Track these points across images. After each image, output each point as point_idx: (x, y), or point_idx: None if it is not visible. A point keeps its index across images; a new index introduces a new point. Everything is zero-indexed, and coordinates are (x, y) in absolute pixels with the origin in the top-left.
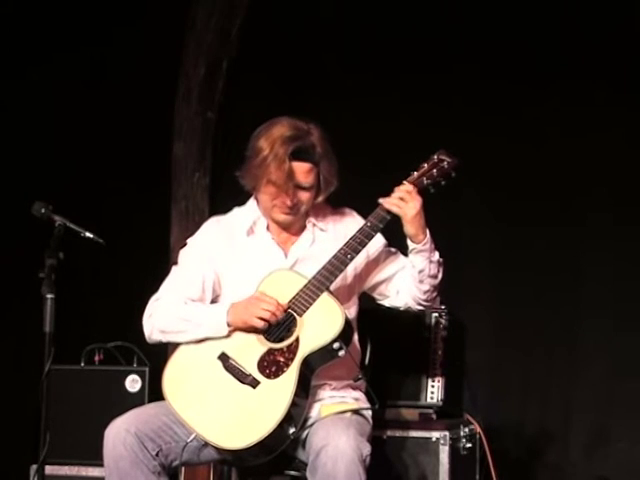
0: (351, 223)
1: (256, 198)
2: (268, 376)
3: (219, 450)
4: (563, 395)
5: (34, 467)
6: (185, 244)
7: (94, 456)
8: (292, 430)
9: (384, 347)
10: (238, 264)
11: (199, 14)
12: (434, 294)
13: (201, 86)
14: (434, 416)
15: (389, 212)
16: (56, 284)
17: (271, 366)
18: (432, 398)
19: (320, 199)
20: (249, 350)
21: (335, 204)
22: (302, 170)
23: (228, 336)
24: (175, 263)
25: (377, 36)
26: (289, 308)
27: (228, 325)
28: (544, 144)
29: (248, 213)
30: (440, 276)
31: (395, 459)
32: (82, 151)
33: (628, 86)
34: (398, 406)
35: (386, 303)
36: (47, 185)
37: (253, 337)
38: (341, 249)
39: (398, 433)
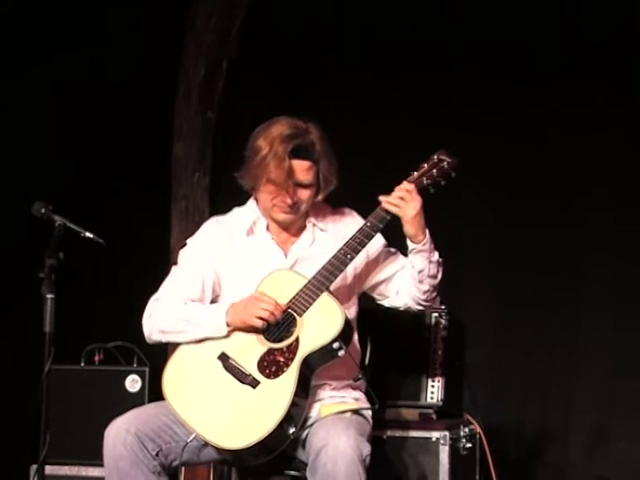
0: (351, 223)
1: (256, 198)
2: (268, 376)
3: (219, 450)
4: (563, 395)
5: (34, 467)
6: (185, 244)
7: (94, 456)
8: (292, 430)
9: (384, 347)
10: (238, 264)
11: (199, 14)
12: (434, 294)
13: (201, 86)
14: (434, 416)
15: (389, 212)
16: (56, 284)
17: (271, 366)
18: (432, 398)
19: (320, 198)
20: (249, 350)
21: (335, 204)
22: (302, 168)
23: (228, 336)
24: (175, 263)
25: (377, 36)
26: (289, 308)
27: (227, 325)
28: (544, 144)
29: (248, 213)
30: (440, 276)
31: (395, 459)
32: (82, 151)
33: (628, 86)
34: (398, 406)
35: (386, 303)
36: (47, 185)
37: (253, 337)
38: (341, 249)
39: (398, 433)
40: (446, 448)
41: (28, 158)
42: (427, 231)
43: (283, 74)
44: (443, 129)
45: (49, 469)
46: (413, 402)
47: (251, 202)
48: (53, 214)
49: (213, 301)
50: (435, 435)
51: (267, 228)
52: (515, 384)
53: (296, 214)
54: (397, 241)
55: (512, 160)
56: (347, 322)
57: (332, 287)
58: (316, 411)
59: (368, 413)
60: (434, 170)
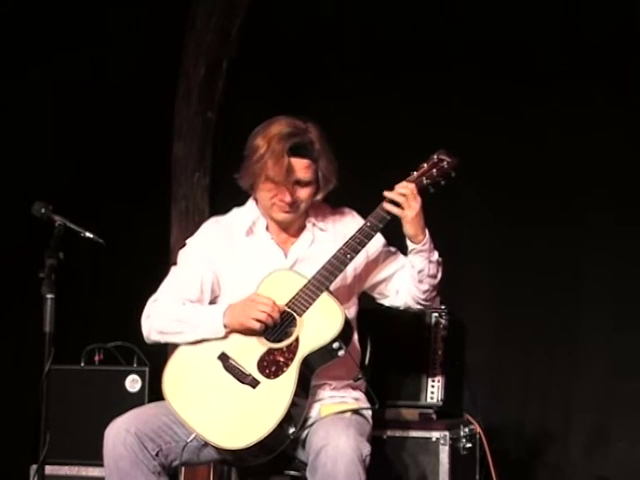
0: (351, 223)
1: (255, 198)
2: (268, 376)
3: (219, 450)
4: (563, 395)
5: (34, 467)
6: (184, 244)
7: (94, 456)
8: (292, 430)
9: (384, 347)
10: (237, 264)
11: (199, 14)
12: (433, 294)
13: (201, 86)
14: (434, 416)
15: (389, 212)
16: (56, 284)
17: (271, 366)
18: (432, 398)
19: (319, 197)
20: (249, 350)
21: (335, 204)
22: (301, 166)
23: (228, 336)
24: (174, 263)
25: (377, 36)
26: (289, 308)
27: (225, 327)
28: (544, 144)
29: (247, 213)
30: (439, 276)
31: (395, 459)
32: (82, 151)
33: (628, 86)
34: (398, 406)
35: (386, 302)
36: (47, 185)
37: (253, 337)
38: (341, 249)
39: (398, 433)
40: (446, 448)
41: (28, 158)
42: (427, 231)
43: (283, 74)
44: (443, 129)
45: (49, 469)
46: (413, 402)
47: (250, 202)
48: (53, 214)
49: (213, 302)
50: (435, 435)
51: (267, 228)
52: (515, 384)
53: (295, 213)
54: (397, 241)
55: (512, 160)
56: (347, 322)
57: (332, 287)
58: (316, 411)
59: (368, 413)
60: (434, 170)
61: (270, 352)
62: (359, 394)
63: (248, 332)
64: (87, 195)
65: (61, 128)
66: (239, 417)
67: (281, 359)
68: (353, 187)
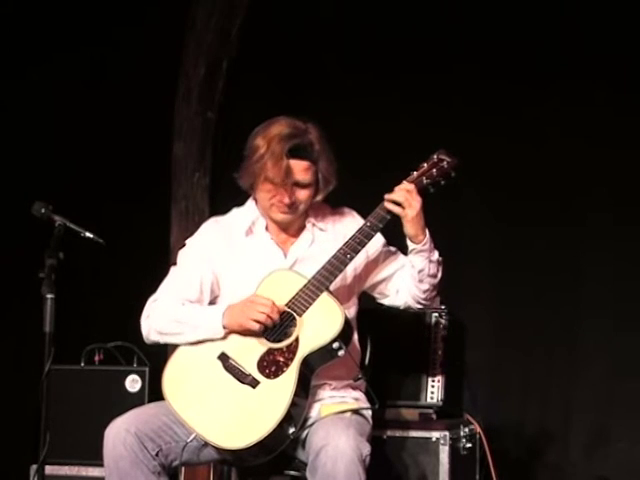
0: (351, 223)
1: (255, 198)
2: (268, 376)
3: (219, 450)
4: (563, 395)
5: (34, 467)
6: (184, 245)
7: (94, 456)
8: (292, 430)
9: (384, 347)
10: (237, 264)
11: (199, 14)
12: (434, 293)
13: (201, 86)
14: (434, 416)
15: (389, 212)
16: (56, 284)
17: (271, 366)
18: (432, 398)
19: (319, 198)
20: (249, 350)
21: (335, 204)
22: (300, 168)
23: (228, 336)
24: (174, 264)
25: (377, 36)
26: (289, 308)
27: (224, 327)
28: (544, 144)
29: (247, 213)
30: (440, 275)
31: (395, 459)
32: (82, 151)
33: (628, 86)
34: (398, 406)
35: (386, 302)
36: (47, 185)
37: (253, 337)
38: (340, 249)
39: (398, 433)
40: (446, 448)
41: (28, 158)
42: (427, 231)
43: (283, 74)
44: (443, 129)
45: (49, 469)
46: (413, 402)
47: (250, 202)
48: (53, 214)
49: (212, 302)
50: (435, 435)
51: (266, 228)
52: (515, 384)
53: (294, 214)
54: (397, 241)
55: (512, 160)
56: (347, 322)
57: (332, 287)
58: (316, 411)
59: (368, 413)
60: (434, 170)
61: (270, 352)
62: (359, 394)
63: (248, 333)
64: (87, 195)
65: (61, 128)
66: (239, 417)
67: (281, 359)
68: (353, 187)
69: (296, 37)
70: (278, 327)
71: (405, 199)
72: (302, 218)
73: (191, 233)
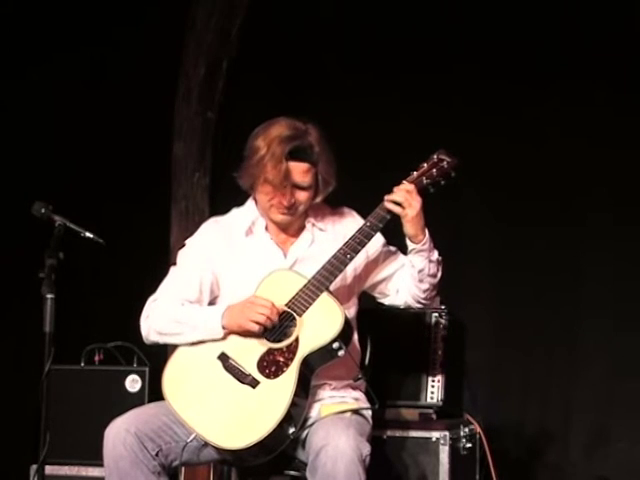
0: (350, 223)
1: (254, 198)
2: (268, 376)
3: (219, 450)
4: (563, 395)
5: (34, 467)
6: (183, 245)
7: (94, 456)
8: (292, 430)
9: (384, 347)
10: (237, 265)
11: (199, 14)
12: (433, 292)
13: (201, 86)
14: (434, 416)
15: (389, 212)
16: (56, 284)
17: (271, 366)
18: (432, 398)
19: (318, 199)
20: (249, 350)
21: (335, 204)
22: (299, 170)
23: (228, 336)
24: (174, 264)
25: (377, 36)
26: (289, 308)
27: (223, 328)
28: (544, 144)
29: (247, 213)
30: (439, 275)
31: (395, 459)
32: (82, 151)
33: (628, 86)
34: (398, 406)
35: (386, 302)
36: (47, 185)
37: (253, 337)
38: (340, 249)
39: (398, 433)
40: (446, 448)
41: (28, 158)
42: (427, 231)
43: (283, 74)
44: (443, 129)
45: (49, 469)
46: (413, 402)
47: (250, 202)
48: (53, 214)
49: (212, 302)
50: (435, 435)
51: (266, 228)
52: (515, 384)
53: (293, 215)
54: (397, 241)
55: (512, 160)
56: (347, 322)
57: (332, 287)
58: (316, 411)
59: (368, 413)
60: (434, 170)
61: (270, 352)
62: (359, 394)
63: (247, 333)
64: (87, 195)
65: (61, 128)
66: (239, 417)
67: (281, 359)
68: (353, 187)
69: (296, 37)
70: (278, 327)
71: (405, 199)
72: (302, 218)
73: (191, 233)
